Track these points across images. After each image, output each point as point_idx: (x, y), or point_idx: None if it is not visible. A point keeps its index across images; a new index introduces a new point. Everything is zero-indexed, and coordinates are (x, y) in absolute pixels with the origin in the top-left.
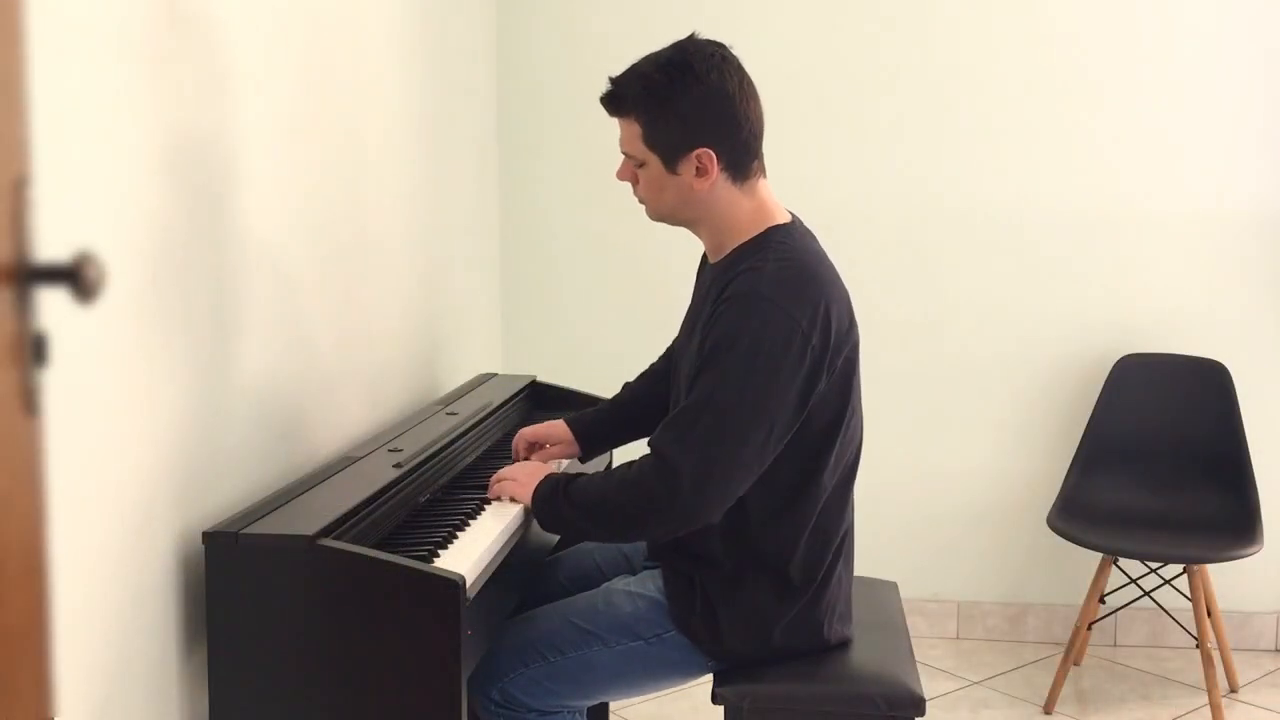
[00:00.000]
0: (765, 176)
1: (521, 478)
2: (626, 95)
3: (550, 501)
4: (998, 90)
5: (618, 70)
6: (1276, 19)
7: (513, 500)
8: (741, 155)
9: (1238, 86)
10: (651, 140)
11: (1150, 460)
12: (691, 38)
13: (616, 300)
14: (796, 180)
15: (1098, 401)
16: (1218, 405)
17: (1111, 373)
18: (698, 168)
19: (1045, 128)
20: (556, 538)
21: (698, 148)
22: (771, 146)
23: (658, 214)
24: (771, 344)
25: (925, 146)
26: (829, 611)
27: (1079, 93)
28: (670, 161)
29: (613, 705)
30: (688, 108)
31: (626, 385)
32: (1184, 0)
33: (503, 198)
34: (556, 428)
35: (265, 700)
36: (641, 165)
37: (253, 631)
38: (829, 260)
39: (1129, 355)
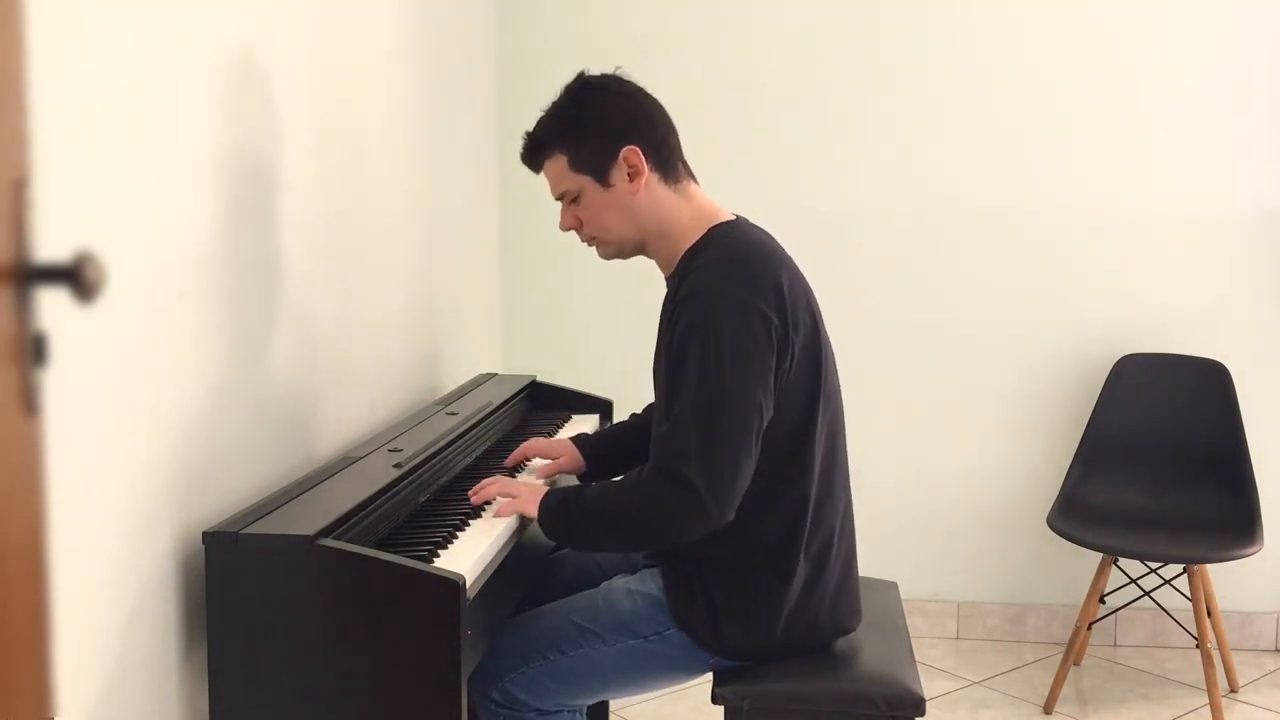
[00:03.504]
0: (697, 182)
1: (523, 493)
2: (542, 136)
3: (560, 511)
4: (996, 92)
5: (615, 67)
6: (1276, 18)
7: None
8: (664, 151)
9: (1238, 86)
10: (578, 162)
11: (1150, 460)
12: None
13: (616, 300)
14: (793, 180)
15: (1098, 401)
16: (1218, 405)
17: (1111, 373)
18: (629, 170)
19: (1045, 128)
20: None
21: (621, 148)
22: (768, 144)
23: (609, 244)
24: (734, 330)
25: (923, 148)
26: (830, 600)
27: (1078, 93)
28: (601, 174)
29: (613, 705)
30: (600, 115)
31: (635, 414)
32: (1185, 1)
33: (503, 198)
34: (562, 443)
35: (265, 700)
36: (577, 199)
37: (253, 631)
38: (778, 246)
39: (1129, 355)
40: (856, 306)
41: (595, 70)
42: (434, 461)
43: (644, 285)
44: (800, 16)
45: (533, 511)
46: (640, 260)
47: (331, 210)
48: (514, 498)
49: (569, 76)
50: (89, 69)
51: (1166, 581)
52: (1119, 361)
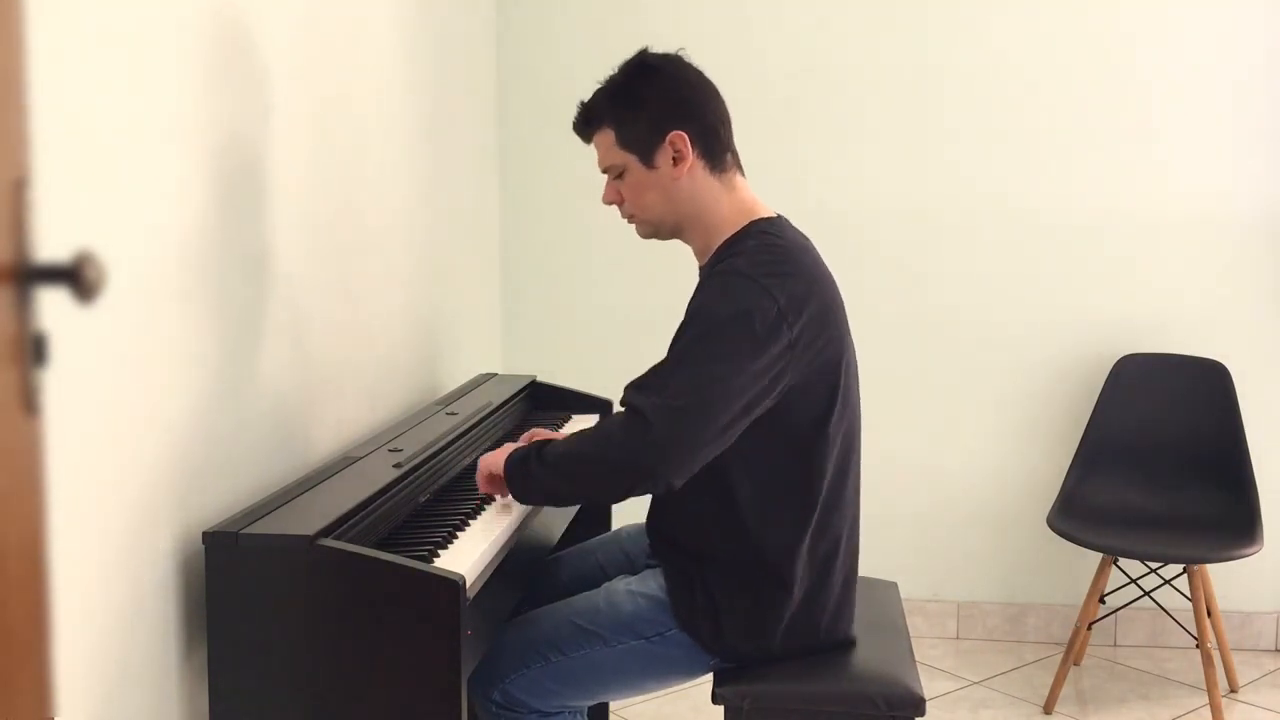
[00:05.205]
0: (743, 174)
1: (497, 457)
2: (595, 108)
3: (524, 465)
4: (997, 93)
5: (678, 49)
6: (1276, 18)
7: (490, 477)
8: (712, 140)
9: (1238, 87)
10: (626, 139)
11: (1150, 460)
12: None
13: (616, 300)
14: (793, 179)
15: (1098, 401)
16: (1218, 405)
17: (1111, 373)
18: (674, 154)
19: (1045, 128)
20: (557, 537)
21: (669, 132)
22: (768, 144)
23: (647, 223)
24: (747, 316)
25: (924, 148)
26: (832, 608)
27: (1079, 93)
28: (647, 154)
29: (613, 705)
30: (652, 96)
31: None
32: (1186, 1)
33: (503, 198)
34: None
35: (265, 700)
36: (621, 175)
37: (253, 631)
38: (815, 252)
39: (1129, 355)
40: (855, 305)
41: (658, 49)
42: (434, 461)
43: (645, 285)
44: (804, 18)
45: (501, 468)
46: (640, 260)
47: (331, 210)
48: (492, 459)
49: (569, 77)
50: (87, 67)
51: (1166, 581)
52: (1119, 361)
